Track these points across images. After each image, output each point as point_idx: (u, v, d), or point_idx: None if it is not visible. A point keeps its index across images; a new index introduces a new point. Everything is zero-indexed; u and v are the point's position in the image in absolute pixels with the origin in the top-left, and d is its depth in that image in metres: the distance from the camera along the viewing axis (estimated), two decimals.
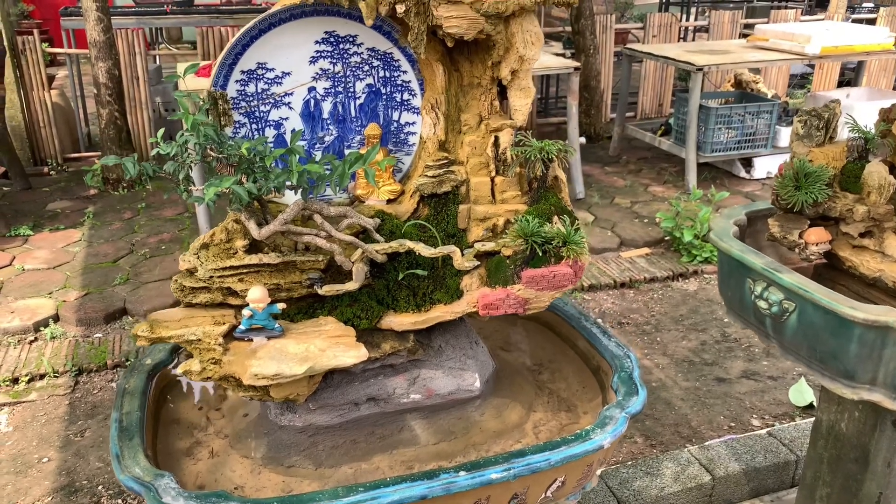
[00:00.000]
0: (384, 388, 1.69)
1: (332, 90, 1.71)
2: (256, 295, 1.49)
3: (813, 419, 2.20)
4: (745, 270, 1.87)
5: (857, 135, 1.98)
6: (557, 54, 6.85)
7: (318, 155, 1.75)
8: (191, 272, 1.54)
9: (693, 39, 9.17)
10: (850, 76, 7.91)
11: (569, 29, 7.30)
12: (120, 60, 5.99)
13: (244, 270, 1.54)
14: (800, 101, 6.79)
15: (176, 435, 1.73)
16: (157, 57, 7.62)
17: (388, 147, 1.77)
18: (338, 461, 1.63)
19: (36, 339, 3.79)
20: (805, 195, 1.89)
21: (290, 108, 1.70)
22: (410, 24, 1.54)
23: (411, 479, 1.41)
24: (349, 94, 1.72)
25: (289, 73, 1.67)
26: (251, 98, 1.66)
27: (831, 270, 2.01)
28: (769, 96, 6.02)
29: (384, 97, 1.74)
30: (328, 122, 1.74)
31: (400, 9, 1.51)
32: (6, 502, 2.73)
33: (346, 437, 1.67)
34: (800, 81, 8.25)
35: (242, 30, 1.60)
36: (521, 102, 1.66)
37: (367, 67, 1.71)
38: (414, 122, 1.76)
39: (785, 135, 5.83)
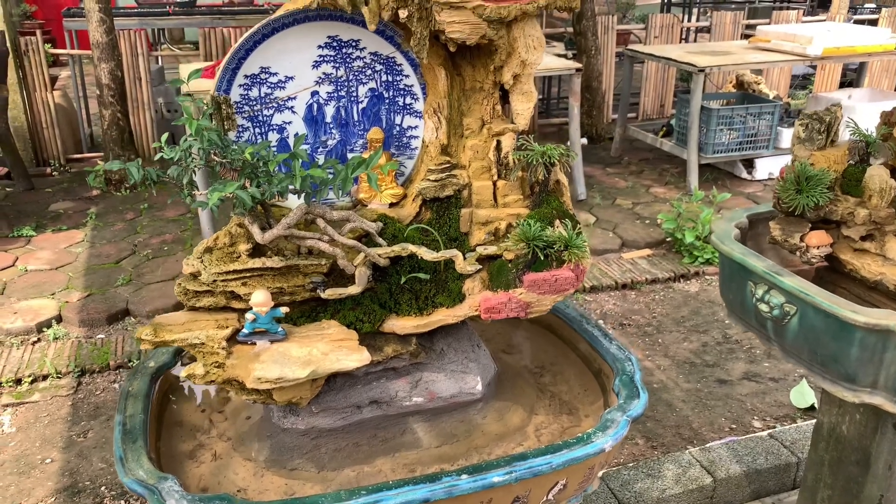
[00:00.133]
0: (386, 391, 1.70)
1: (335, 94, 1.72)
2: (260, 299, 1.49)
3: (814, 421, 2.20)
4: (747, 273, 1.87)
5: (857, 137, 1.99)
6: (559, 55, 6.85)
7: (321, 159, 1.76)
8: (194, 276, 1.55)
9: (695, 40, 9.18)
10: (852, 77, 7.91)
11: (571, 30, 7.30)
12: (122, 61, 6.00)
13: (247, 274, 1.54)
14: (801, 102, 6.78)
15: (179, 437, 1.74)
16: (160, 58, 7.64)
17: (390, 151, 1.78)
18: (340, 464, 1.64)
19: (39, 339, 3.81)
20: (806, 198, 1.90)
21: (294, 112, 1.71)
22: (413, 28, 1.54)
23: (413, 482, 1.42)
24: (352, 98, 1.73)
25: (292, 78, 1.68)
26: (254, 102, 1.67)
27: (833, 273, 2.01)
28: (771, 97, 6.02)
29: (387, 101, 1.75)
30: (331, 126, 1.74)
31: (402, 14, 1.52)
32: (9, 503, 2.74)
33: (348, 439, 1.67)
34: (801, 82, 8.25)
35: (246, 34, 1.60)
36: (523, 107, 1.67)
37: (369, 72, 1.72)
38: (416, 126, 1.77)
39: (786, 136, 5.83)
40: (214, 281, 1.53)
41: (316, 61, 1.68)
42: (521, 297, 1.59)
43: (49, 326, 3.88)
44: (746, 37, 7.10)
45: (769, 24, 7.48)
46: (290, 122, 1.72)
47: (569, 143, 5.59)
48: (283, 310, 1.54)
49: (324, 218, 1.57)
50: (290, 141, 1.71)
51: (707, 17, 9.35)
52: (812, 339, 1.74)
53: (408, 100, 1.75)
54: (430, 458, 1.66)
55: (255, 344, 1.53)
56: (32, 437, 3.10)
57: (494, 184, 1.71)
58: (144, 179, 1.41)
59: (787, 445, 2.87)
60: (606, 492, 2.63)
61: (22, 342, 3.77)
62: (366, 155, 1.68)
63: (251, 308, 1.51)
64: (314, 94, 1.71)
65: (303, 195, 1.54)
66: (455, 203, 1.70)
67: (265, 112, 1.69)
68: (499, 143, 1.69)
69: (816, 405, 3.18)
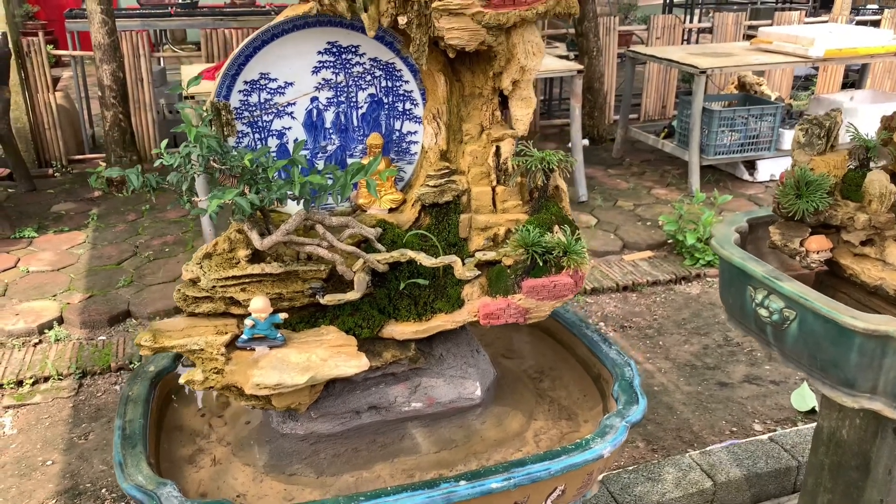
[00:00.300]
0: (385, 397, 1.70)
1: (335, 100, 1.72)
2: (258, 305, 1.50)
3: (814, 425, 2.20)
4: (746, 278, 1.87)
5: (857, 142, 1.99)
6: (561, 56, 6.85)
7: (320, 164, 1.76)
8: (193, 282, 1.55)
9: (697, 41, 9.18)
10: (854, 78, 7.90)
11: (573, 31, 7.29)
12: (124, 62, 6.01)
13: (246, 280, 1.55)
14: (803, 103, 6.78)
15: (179, 442, 1.74)
16: (162, 59, 7.65)
17: (390, 156, 1.78)
18: (339, 469, 1.64)
19: (40, 341, 3.81)
20: (806, 203, 1.90)
21: (293, 117, 1.71)
22: (412, 35, 1.55)
23: (412, 488, 1.42)
24: (351, 104, 1.73)
25: (291, 84, 1.68)
26: (254, 108, 1.68)
27: (833, 278, 2.01)
28: (772, 99, 6.02)
29: (386, 107, 1.75)
30: (330, 131, 1.75)
31: (402, 20, 1.52)
32: None
33: (347, 445, 1.68)
34: (804, 83, 8.24)
35: (245, 41, 1.61)
36: (523, 112, 1.67)
37: (369, 77, 1.72)
38: (416, 132, 1.77)
39: (788, 137, 5.82)
40: (213, 287, 1.53)
41: (315, 67, 1.68)
42: (520, 302, 1.59)
43: (50, 328, 3.89)
44: (748, 38, 7.10)
45: (771, 25, 7.48)
46: (289, 128, 1.72)
47: (570, 145, 5.59)
48: (282, 316, 1.54)
49: (323, 224, 1.57)
50: (290, 146, 1.72)
51: (709, 18, 9.35)
52: (811, 344, 1.74)
53: (407, 105, 1.75)
54: (429, 463, 1.66)
55: (254, 350, 1.53)
56: (33, 439, 3.10)
57: (493, 189, 1.72)
58: (144, 186, 1.41)
59: (787, 449, 2.87)
60: (606, 495, 2.63)
61: (23, 344, 3.77)
62: (365, 160, 1.68)
63: (250, 314, 1.51)
64: (314, 99, 1.71)
65: (302, 201, 1.54)
66: (454, 208, 1.70)
67: (265, 118, 1.69)
68: (498, 148, 1.69)
69: (817, 408, 3.18)
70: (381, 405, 1.70)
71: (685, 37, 8.10)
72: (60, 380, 3.49)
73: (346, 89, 1.72)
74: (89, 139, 6.77)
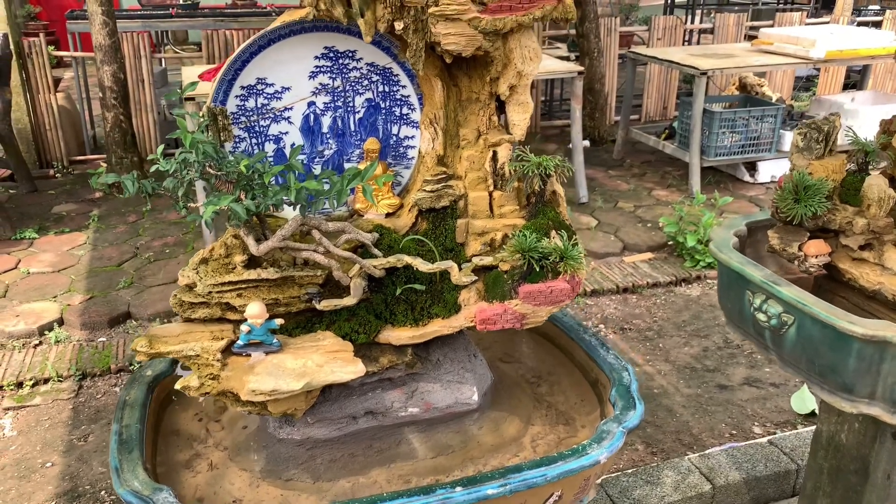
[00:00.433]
0: (382, 402, 1.70)
1: (332, 105, 1.72)
2: (255, 311, 1.50)
3: (814, 428, 2.20)
4: (745, 283, 1.87)
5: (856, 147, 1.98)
6: (562, 57, 6.85)
7: (317, 169, 1.76)
8: (190, 287, 1.55)
9: (698, 42, 9.16)
10: (856, 78, 7.88)
11: (574, 31, 7.29)
12: (125, 64, 6.01)
13: (243, 286, 1.55)
14: (805, 104, 6.77)
15: (176, 447, 1.74)
16: (163, 59, 7.65)
17: (387, 161, 1.78)
18: (336, 475, 1.64)
19: (40, 342, 3.82)
20: (804, 208, 1.89)
21: (290, 122, 1.71)
22: (409, 40, 1.54)
23: (408, 494, 1.42)
24: (348, 109, 1.73)
25: (288, 88, 1.68)
26: (251, 113, 1.67)
27: (831, 282, 2.01)
28: (773, 100, 6.01)
29: (383, 111, 1.75)
30: (328, 136, 1.75)
31: (398, 26, 1.52)
32: None
33: (344, 450, 1.67)
34: (805, 84, 8.22)
35: (242, 46, 1.61)
36: (520, 117, 1.67)
37: (366, 82, 1.72)
38: (413, 136, 1.77)
39: (789, 139, 5.81)
40: (210, 292, 1.53)
41: (312, 72, 1.68)
42: (517, 308, 1.59)
43: (51, 329, 3.89)
44: (750, 38, 7.09)
45: (773, 25, 7.47)
46: (286, 133, 1.72)
47: (571, 146, 5.59)
48: (278, 321, 1.54)
49: (319, 229, 1.57)
50: (287, 151, 1.72)
51: (710, 19, 9.33)
52: (810, 349, 1.74)
53: (404, 110, 1.75)
54: (426, 469, 1.66)
55: (250, 356, 1.53)
56: (33, 441, 3.11)
57: (490, 194, 1.71)
58: (140, 192, 1.41)
59: (786, 452, 2.86)
60: (605, 498, 2.63)
61: (24, 345, 3.78)
62: (362, 165, 1.68)
63: (246, 319, 1.51)
64: (311, 104, 1.71)
65: (298, 207, 1.54)
66: (451, 214, 1.70)
67: (262, 122, 1.69)
68: (495, 153, 1.69)
69: (817, 411, 3.18)
70: (378, 410, 1.70)
71: (686, 38, 8.09)
72: (60, 381, 3.49)
73: (343, 94, 1.71)
74: (90, 140, 6.78)
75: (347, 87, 1.71)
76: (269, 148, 1.72)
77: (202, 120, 1.54)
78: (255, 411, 1.52)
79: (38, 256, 4.72)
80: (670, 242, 4.82)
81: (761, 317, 1.84)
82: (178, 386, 1.49)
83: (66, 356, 3.66)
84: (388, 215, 1.76)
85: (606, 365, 1.83)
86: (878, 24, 8.15)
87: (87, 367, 3.56)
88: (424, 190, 1.68)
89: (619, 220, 5.26)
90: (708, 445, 3.04)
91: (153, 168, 1.50)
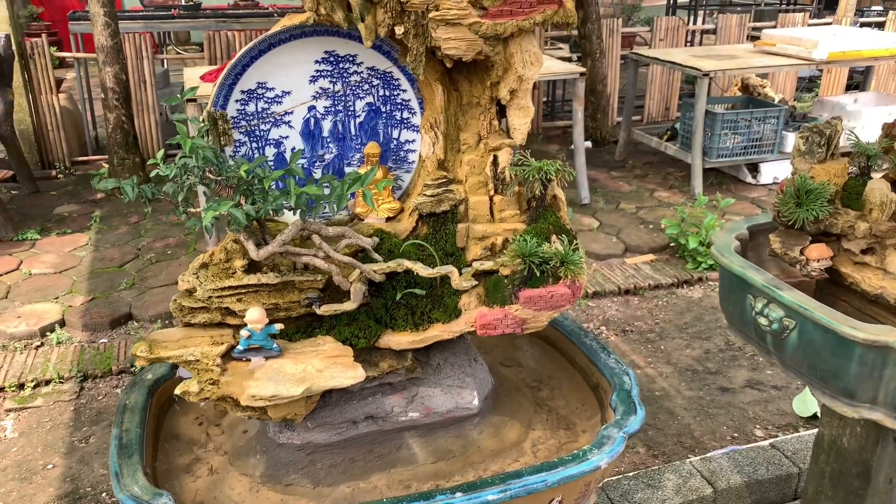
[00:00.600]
0: (382, 407, 1.70)
1: (332, 109, 1.72)
2: (254, 316, 1.49)
3: (816, 431, 2.19)
4: (746, 286, 1.87)
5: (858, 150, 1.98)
6: (564, 58, 6.85)
7: (318, 173, 1.75)
8: (190, 292, 1.55)
9: (700, 43, 9.15)
10: (858, 79, 7.87)
11: (576, 32, 7.28)
12: (127, 65, 6.02)
13: (243, 290, 1.54)
14: (807, 105, 6.75)
15: (176, 451, 1.74)
16: (165, 60, 7.66)
17: (387, 165, 1.78)
18: (336, 480, 1.64)
19: (42, 344, 3.82)
20: (806, 212, 1.89)
21: (291, 126, 1.71)
22: (409, 45, 1.54)
23: (408, 499, 1.42)
24: (349, 113, 1.73)
25: (289, 93, 1.68)
26: (251, 117, 1.67)
27: (833, 286, 2.00)
28: (776, 101, 6.00)
29: (384, 115, 1.75)
30: (328, 140, 1.74)
31: (399, 30, 1.52)
32: None
33: (344, 455, 1.67)
34: (808, 85, 8.21)
35: (242, 50, 1.60)
36: (520, 122, 1.66)
37: (366, 86, 1.71)
38: (413, 140, 1.77)
39: (791, 140, 5.81)
40: (210, 297, 1.53)
41: (313, 76, 1.68)
42: (517, 313, 1.58)
43: (52, 331, 3.89)
44: (752, 39, 7.08)
45: (775, 26, 7.45)
46: (287, 137, 1.72)
47: (573, 147, 5.58)
48: (278, 326, 1.54)
49: (319, 234, 1.57)
50: (288, 155, 1.72)
51: (713, 20, 9.33)
52: (811, 353, 1.73)
53: (405, 114, 1.75)
54: (426, 474, 1.66)
55: (249, 360, 1.53)
56: (34, 443, 3.11)
57: (491, 199, 1.71)
58: (139, 197, 1.41)
59: (788, 456, 2.86)
60: (606, 502, 2.62)
61: (25, 346, 3.78)
62: (362, 170, 1.68)
63: (246, 324, 1.51)
64: (311, 108, 1.70)
65: (298, 211, 1.54)
66: (451, 218, 1.70)
67: (262, 127, 1.69)
68: (495, 158, 1.68)
69: (819, 414, 3.17)
70: (378, 415, 1.69)
71: (689, 39, 8.08)
72: (62, 383, 3.49)
73: (343, 98, 1.71)
74: (92, 141, 6.79)
75: (348, 92, 1.71)
76: (270, 152, 1.71)
77: (202, 125, 1.54)
78: (255, 416, 1.52)
79: (39, 257, 4.72)
80: (672, 244, 4.81)
81: (763, 321, 1.83)
82: (177, 391, 1.49)
83: (68, 357, 3.66)
84: (388, 219, 1.76)
85: (607, 369, 1.83)
86: (881, 25, 8.13)
87: (88, 368, 3.56)
88: (425, 194, 1.68)
89: (621, 222, 5.26)
90: (709, 448, 3.03)
91: (152, 173, 1.50)
